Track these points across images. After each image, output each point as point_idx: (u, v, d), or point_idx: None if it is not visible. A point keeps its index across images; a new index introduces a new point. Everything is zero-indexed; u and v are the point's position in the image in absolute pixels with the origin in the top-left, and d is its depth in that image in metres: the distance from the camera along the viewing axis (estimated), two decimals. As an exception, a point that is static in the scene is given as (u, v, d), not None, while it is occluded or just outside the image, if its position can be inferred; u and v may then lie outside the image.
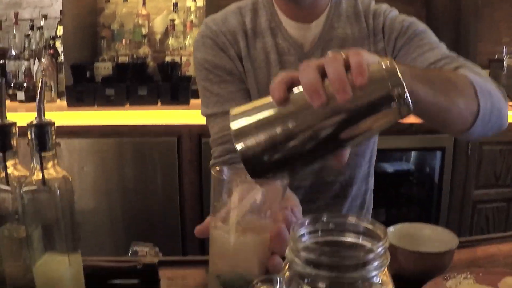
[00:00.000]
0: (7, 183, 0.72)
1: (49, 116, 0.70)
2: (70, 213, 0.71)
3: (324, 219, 0.53)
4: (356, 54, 0.59)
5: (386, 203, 2.40)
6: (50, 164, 0.69)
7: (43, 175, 0.68)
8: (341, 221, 0.54)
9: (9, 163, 0.73)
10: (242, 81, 1.11)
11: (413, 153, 2.68)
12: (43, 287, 0.72)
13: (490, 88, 0.90)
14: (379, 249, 0.48)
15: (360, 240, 0.52)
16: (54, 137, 0.69)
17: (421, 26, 1.10)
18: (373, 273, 0.48)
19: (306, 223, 0.53)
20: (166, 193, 2.36)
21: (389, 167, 2.42)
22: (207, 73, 1.10)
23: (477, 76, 0.89)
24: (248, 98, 1.10)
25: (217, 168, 0.72)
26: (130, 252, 1.27)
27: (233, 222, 0.71)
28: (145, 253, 1.27)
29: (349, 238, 0.52)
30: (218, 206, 0.71)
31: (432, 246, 0.81)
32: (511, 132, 2.59)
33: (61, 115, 2.30)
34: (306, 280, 0.49)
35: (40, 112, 0.69)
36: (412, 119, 0.71)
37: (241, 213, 0.70)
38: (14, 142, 0.73)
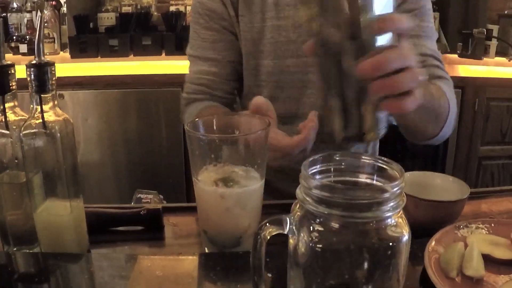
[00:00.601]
0: (6, 128, 0.70)
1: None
2: (71, 156, 0.69)
3: (337, 157, 0.51)
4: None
5: (391, 156, 2.36)
6: (49, 106, 0.67)
7: (43, 117, 0.66)
8: (355, 160, 0.51)
9: (8, 106, 0.70)
10: (230, 31, 1.10)
11: (420, 107, 2.64)
12: (44, 234, 0.71)
13: (455, 110, 1.02)
14: (395, 189, 0.46)
15: (375, 180, 0.50)
16: (54, 78, 0.66)
17: (429, 4, 1.09)
18: (388, 214, 0.46)
19: (318, 161, 0.50)
20: (170, 143, 2.35)
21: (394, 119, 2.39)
22: (198, 17, 1.11)
23: (452, 93, 1.02)
24: (231, 50, 1.10)
25: (189, 121, 0.71)
26: (134, 200, 1.27)
27: (214, 177, 0.70)
28: (149, 200, 1.27)
29: (363, 178, 0.50)
30: (198, 161, 0.71)
31: (442, 195, 0.79)
32: (517, 89, 2.58)
33: (65, 67, 2.27)
34: (317, 220, 0.47)
35: (40, 52, 0.66)
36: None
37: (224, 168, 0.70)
38: (13, 84, 0.70)
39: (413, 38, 1.04)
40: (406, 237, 0.47)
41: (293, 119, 1.12)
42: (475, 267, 0.63)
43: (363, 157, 0.51)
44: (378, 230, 0.46)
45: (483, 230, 0.74)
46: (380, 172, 0.50)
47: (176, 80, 2.28)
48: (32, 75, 0.65)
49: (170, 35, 2.44)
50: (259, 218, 0.74)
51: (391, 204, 0.45)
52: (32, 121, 0.67)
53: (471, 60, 2.60)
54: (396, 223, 0.47)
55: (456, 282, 0.62)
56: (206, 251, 0.74)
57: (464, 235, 0.72)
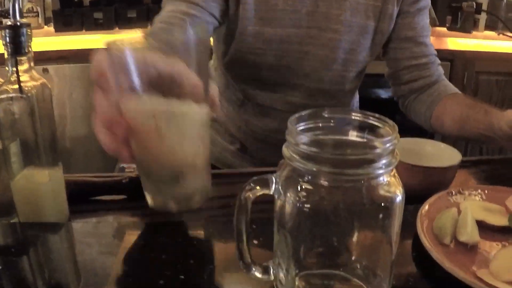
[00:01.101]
0: None
1: (36, 41, 0.65)
2: (49, 122, 0.66)
3: (326, 114, 0.48)
4: None
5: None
6: (25, 69, 0.63)
7: (19, 81, 0.63)
8: (344, 116, 0.48)
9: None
10: None
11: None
12: (22, 204, 0.68)
13: None
14: (387, 145, 0.43)
15: (365, 137, 0.47)
16: (30, 40, 0.63)
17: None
18: (380, 172, 0.43)
19: (305, 118, 0.47)
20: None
21: (384, 93, 2.37)
22: None
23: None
24: (217, 4, 1.00)
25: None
26: (116, 170, 1.24)
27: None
28: (133, 169, 1.24)
29: (354, 136, 0.47)
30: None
31: (434, 162, 0.77)
32: (507, 62, 2.56)
33: (49, 41, 2.23)
34: (305, 178, 0.44)
35: (15, 13, 0.63)
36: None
37: None
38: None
39: (423, 38, 1.12)
40: (399, 197, 0.45)
41: (285, 89, 1.09)
42: (470, 233, 0.61)
43: (353, 113, 0.48)
44: (369, 189, 0.44)
45: (477, 197, 0.72)
46: (372, 129, 0.47)
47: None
48: (8, 37, 0.62)
49: (155, 7, 2.39)
50: (205, 154, 0.60)
51: (383, 161, 0.43)
52: (8, 86, 0.63)
53: (460, 33, 2.58)
54: (389, 182, 0.44)
55: (450, 248, 0.61)
56: (145, 192, 0.62)
57: (457, 201, 0.70)
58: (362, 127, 0.47)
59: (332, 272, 0.50)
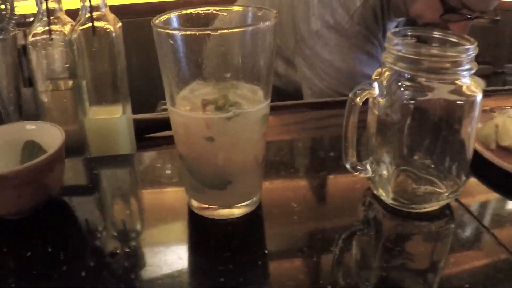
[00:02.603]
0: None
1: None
2: (122, 58, 0.69)
3: (409, 32, 0.57)
4: None
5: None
6: (99, 4, 0.67)
7: (92, 18, 0.66)
8: (427, 34, 0.58)
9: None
10: None
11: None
12: (96, 139, 0.72)
13: None
14: (470, 53, 0.52)
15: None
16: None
17: None
18: (465, 73, 0.52)
19: (399, 33, 0.56)
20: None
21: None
22: None
23: None
24: None
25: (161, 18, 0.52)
26: (158, 111, 1.27)
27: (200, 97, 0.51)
28: None
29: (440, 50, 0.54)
30: (174, 75, 0.51)
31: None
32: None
33: None
34: (407, 80, 0.53)
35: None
36: None
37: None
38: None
39: None
40: (479, 96, 0.54)
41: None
42: (512, 138, 0.69)
43: (434, 32, 0.57)
44: (457, 88, 0.53)
45: (506, 114, 0.80)
46: (453, 43, 0.56)
47: (158, 8, 2.24)
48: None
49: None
50: (259, 156, 0.56)
51: (467, 66, 0.52)
52: (83, 25, 0.67)
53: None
54: (471, 84, 0.54)
55: (496, 152, 0.69)
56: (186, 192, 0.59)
57: (492, 117, 0.78)
58: (444, 41, 0.57)
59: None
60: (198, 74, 0.51)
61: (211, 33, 0.47)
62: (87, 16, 0.67)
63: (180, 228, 0.57)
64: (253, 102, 0.52)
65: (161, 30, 0.49)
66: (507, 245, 0.52)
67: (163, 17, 0.52)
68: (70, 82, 0.72)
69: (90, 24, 0.66)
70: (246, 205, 0.57)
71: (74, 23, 0.69)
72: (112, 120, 0.71)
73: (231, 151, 0.53)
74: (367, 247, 0.53)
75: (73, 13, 0.70)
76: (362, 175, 0.59)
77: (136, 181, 0.67)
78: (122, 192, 0.64)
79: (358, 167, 0.59)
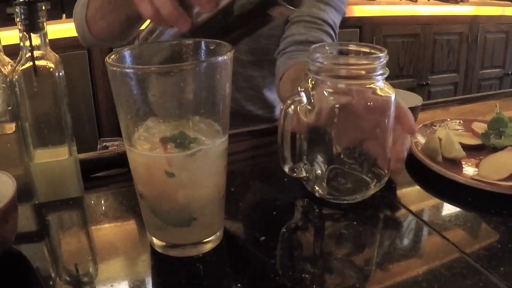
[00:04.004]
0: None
1: None
2: (65, 98, 0.67)
3: (327, 47, 0.67)
4: None
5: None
6: (40, 45, 0.64)
7: (33, 58, 0.64)
8: (344, 47, 0.67)
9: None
10: None
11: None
12: (43, 183, 0.69)
13: None
14: (381, 60, 0.60)
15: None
16: (45, 16, 0.65)
17: None
18: (379, 78, 0.60)
19: (319, 48, 0.65)
20: (82, 106, 2.33)
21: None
22: None
23: None
24: None
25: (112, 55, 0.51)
26: (99, 149, 1.24)
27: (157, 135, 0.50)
28: (116, 146, 1.25)
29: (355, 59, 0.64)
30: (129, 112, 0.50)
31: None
32: (410, 26, 2.79)
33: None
34: (328, 83, 0.61)
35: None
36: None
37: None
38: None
39: (323, 3, 1.09)
40: (393, 96, 0.62)
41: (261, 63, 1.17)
42: (458, 150, 0.72)
43: (350, 45, 0.67)
44: (375, 91, 0.61)
45: (446, 128, 0.84)
46: (366, 53, 0.65)
47: (80, 43, 2.21)
48: (22, 13, 0.63)
49: None
50: (221, 190, 0.55)
51: (380, 71, 0.60)
52: (24, 65, 0.64)
53: (365, 0, 2.76)
54: (385, 86, 0.62)
55: (443, 164, 0.72)
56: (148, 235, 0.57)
57: (434, 130, 0.82)
58: (358, 52, 0.66)
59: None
60: (153, 111, 0.50)
61: (164, 70, 0.47)
62: (27, 56, 0.64)
63: (144, 270, 0.55)
64: (212, 136, 0.51)
65: (115, 68, 0.48)
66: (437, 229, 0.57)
67: (115, 55, 0.51)
68: (14, 125, 0.68)
69: (31, 63, 0.64)
70: (211, 240, 0.56)
71: (14, 63, 0.66)
72: (59, 163, 0.69)
73: (194, 187, 0.52)
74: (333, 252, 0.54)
75: (13, 48, 0.67)
76: (299, 176, 0.65)
77: (91, 224, 0.64)
78: (78, 237, 0.61)
79: (295, 169, 0.65)
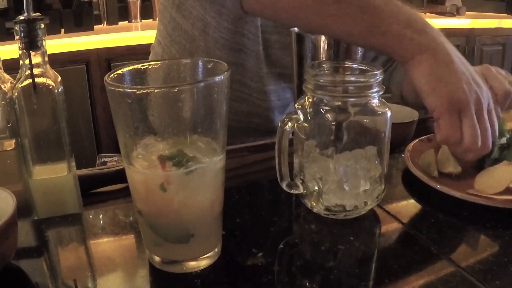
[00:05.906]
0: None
1: None
2: (64, 115, 0.67)
3: (324, 65, 0.68)
4: None
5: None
6: (39, 64, 0.65)
7: (32, 75, 0.64)
8: (340, 65, 0.70)
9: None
10: None
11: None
12: (42, 200, 0.69)
13: None
14: (377, 77, 0.61)
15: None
16: (44, 34, 0.66)
17: None
18: (375, 95, 0.61)
19: (316, 65, 0.67)
20: (80, 121, 2.33)
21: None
22: None
23: None
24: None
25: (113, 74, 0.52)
26: (98, 165, 1.24)
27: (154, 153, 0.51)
28: (115, 161, 1.25)
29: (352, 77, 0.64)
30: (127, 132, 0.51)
31: (395, 119, 0.88)
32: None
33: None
34: (325, 101, 0.62)
35: (28, 8, 0.64)
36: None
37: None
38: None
39: None
40: (389, 112, 0.63)
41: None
42: (454, 165, 0.73)
43: (346, 62, 0.69)
44: (372, 107, 0.63)
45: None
46: (363, 70, 0.66)
47: (79, 57, 2.23)
48: (22, 31, 0.63)
49: (67, 12, 2.35)
50: (219, 206, 0.56)
51: (376, 88, 0.61)
52: (24, 82, 0.65)
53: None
54: (380, 104, 0.63)
55: (438, 179, 0.72)
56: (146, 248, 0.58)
57: (429, 146, 0.82)
58: (355, 69, 0.67)
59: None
60: (152, 129, 0.50)
61: (163, 90, 0.48)
62: (27, 73, 0.65)
63: (143, 286, 0.55)
64: (210, 154, 0.52)
65: (113, 88, 0.49)
66: (433, 243, 0.55)
67: (114, 74, 0.52)
68: (13, 142, 0.69)
69: (30, 81, 0.65)
70: (209, 256, 0.56)
71: (13, 80, 0.67)
72: (58, 179, 0.69)
73: (192, 204, 0.52)
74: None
75: (12, 63, 0.67)
76: (296, 192, 0.66)
77: (90, 240, 0.65)
78: (78, 253, 0.62)
79: (293, 186, 0.66)
